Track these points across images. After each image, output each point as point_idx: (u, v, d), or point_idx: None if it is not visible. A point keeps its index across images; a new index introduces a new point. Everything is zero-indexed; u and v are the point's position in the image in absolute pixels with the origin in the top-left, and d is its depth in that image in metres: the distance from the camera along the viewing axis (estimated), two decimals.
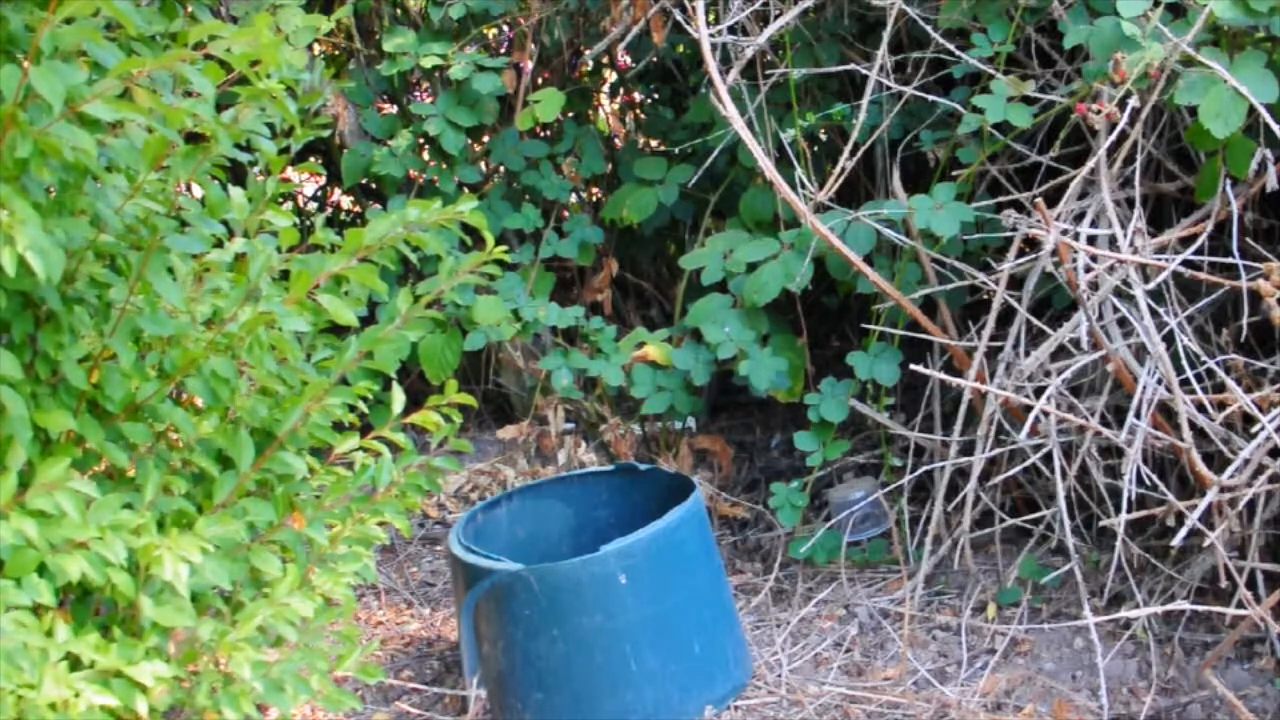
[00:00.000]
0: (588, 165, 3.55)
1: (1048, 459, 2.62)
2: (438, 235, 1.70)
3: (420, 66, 3.36)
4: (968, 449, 2.72)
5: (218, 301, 1.61)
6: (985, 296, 2.76)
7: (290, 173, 3.77)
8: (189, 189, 1.79)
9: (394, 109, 3.66)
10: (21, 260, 1.22)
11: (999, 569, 2.76)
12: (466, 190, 3.60)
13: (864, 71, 2.84)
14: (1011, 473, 2.66)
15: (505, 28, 3.63)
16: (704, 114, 3.30)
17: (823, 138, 3.38)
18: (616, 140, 3.86)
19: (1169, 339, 2.46)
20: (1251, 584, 2.41)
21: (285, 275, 1.64)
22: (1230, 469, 2.24)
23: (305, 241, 1.76)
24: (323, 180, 4.19)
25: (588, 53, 3.43)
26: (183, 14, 2.20)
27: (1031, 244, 2.62)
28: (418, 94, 3.75)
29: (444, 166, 3.43)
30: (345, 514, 1.73)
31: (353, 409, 1.70)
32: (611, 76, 3.86)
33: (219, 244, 1.66)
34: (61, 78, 1.22)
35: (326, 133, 1.99)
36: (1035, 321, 2.62)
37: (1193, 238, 2.45)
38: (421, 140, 3.44)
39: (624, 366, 3.10)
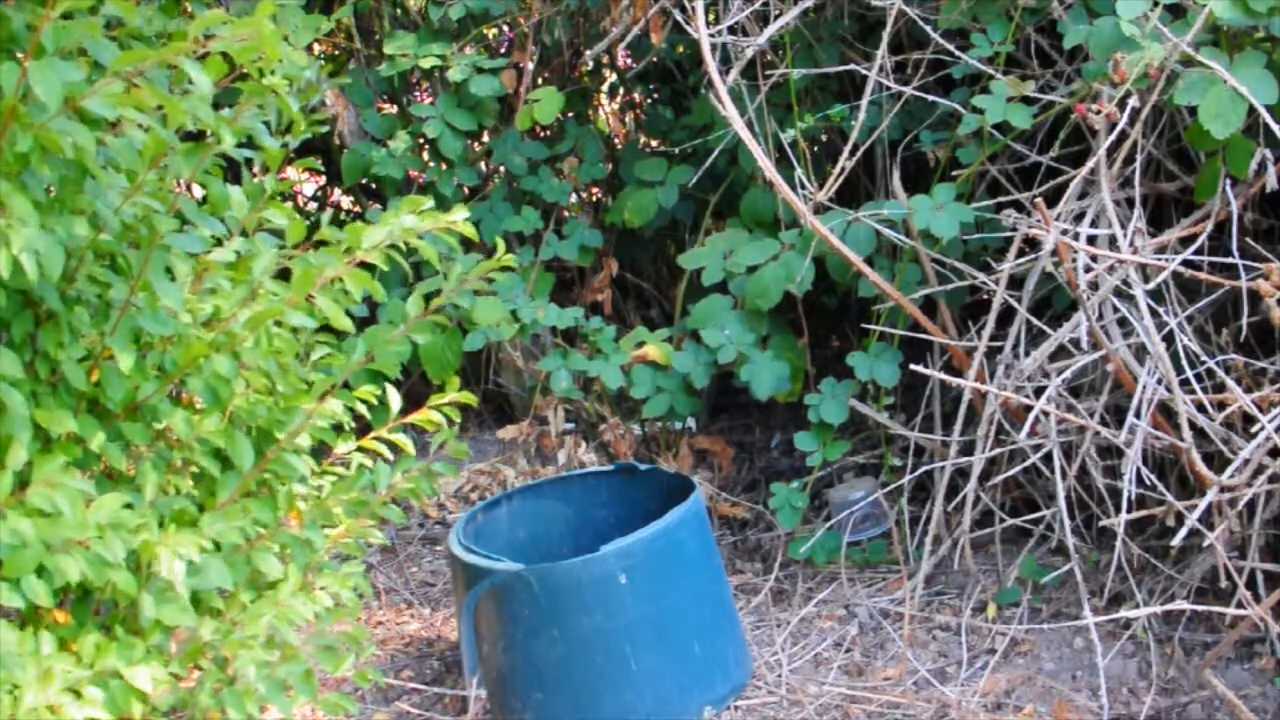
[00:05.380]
0: (587, 171, 3.56)
1: (1048, 459, 2.62)
2: (434, 242, 1.70)
3: (420, 67, 3.36)
4: (968, 449, 2.72)
5: (218, 301, 1.61)
6: (985, 296, 2.76)
7: (289, 172, 3.77)
8: (188, 188, 1.79)
9: (394, 109, 3.66)
10: (17, 261, 1.22)
11: (999, 569, 2.76)
12: (466, 191, 3.61)
13: (864, 72, 2.83)
14: (1011, 473, 2.66)
15: (505, 28, 3.63)
16: (705, 115, 3.30)
17: (823, 138, 3.38)
18: (616, 140, 3.86)
19: (1169, 339, 2.46)
20: (1251, 584, 2.41)
21: (284, 274, 1.64)
22: (1230, 469, 2.24)
23: (309, 239, 1.75)
24: (323, 180, 4.19)
25: (588, 53, 3.43)
26: (181, 16, 2.20)
27: (1031, 244, 2.62)
28: (418, 94, 3.75)
29: (443, 168, 3.44)
30: (350, 513, 1.73)
31: (352, 410, 1.70)
32: (611, 76, 3.86)
33: (218, 243, 1.66)
34: (59, 74, 1.22)
35: (325, 129, 1.99)
36: (1035, 321, 2.62)
37: (1193, 238, 2.45)
38: (421, 140, 3.44)
39: (623, 367, 3.10)
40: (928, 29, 2.78)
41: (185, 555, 1.33)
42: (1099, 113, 2.37)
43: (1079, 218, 2.55)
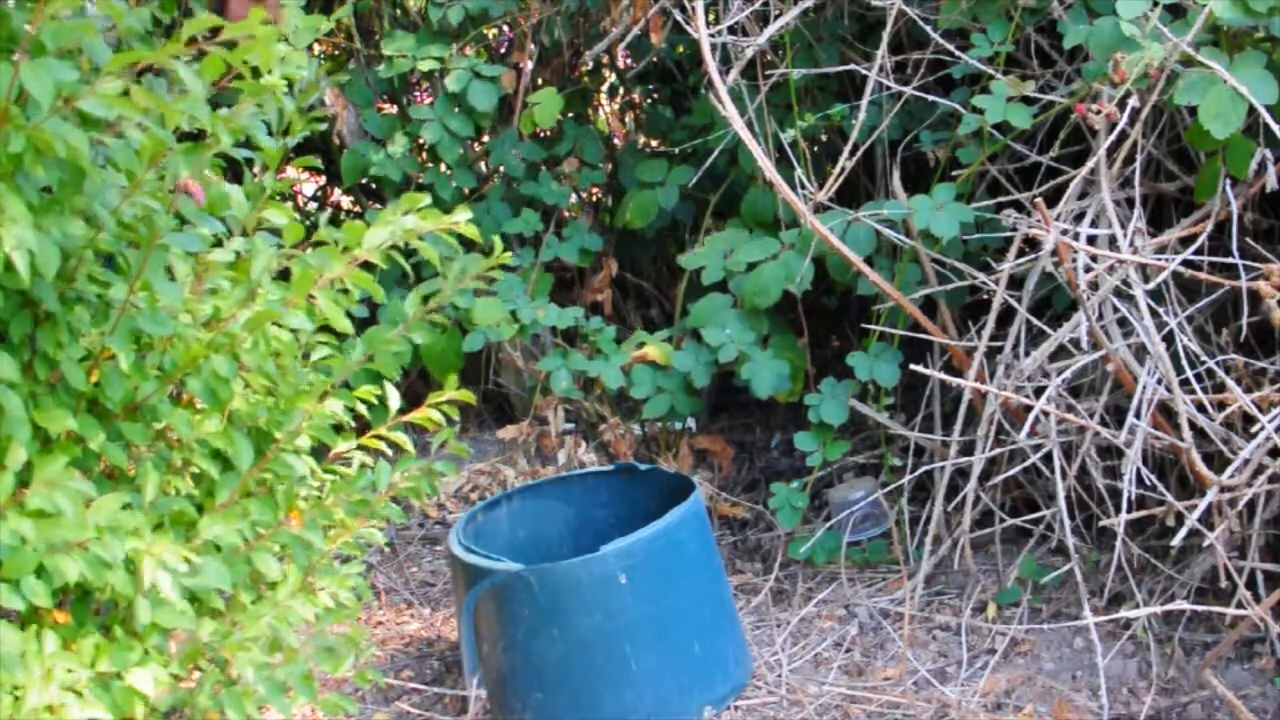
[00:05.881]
0: (587, 177, 3.56)
1: (1048, 459, 2.62)
2: (435, 242, 1.70)
3: (418, 69, 3.36)
4: (968, 449, 2.72)
5: (218, 301, 1.61)
6: (985, 296, 2.76)
7: (289, 171, 3.77)
8: None
9: (394, 109, 3.66)
10: (10, 259, 1.22)
11: (999, 569, 2.76)
12: (465, 193, 3.61)
13: (864, 72, 2.83)
14: (1011, 473, 2.66)
15: (505, 28, 3.63)
16: (705, 115, 3.30)
17: (823, 138, 3.38)
18: (616, 141, 3.86)
19: (1169, 339, 2.46)
20: (1251, 584, 2.41)
21: (285, 274, 1.64)
22: (1230, 469, 2.24)
23: (308, 239, 1.75)
24: (323, 180, 4.19)
25: (588, 53, 3.43)
26: (180, 15, 2.20)
27: (1031, 244, 2.62)
28: (418, 94, 3.75)
29: (442, 170, 3.43)
30: (351, 514, 1.73)
31: (352, 411, 1.70)
32: (611, 77, 3.86)
33: (218, 243, 1.66)
34: (51, 74, 1.22)
35: (323, 127, 1.98)
36: (1035, 321, 2.62)
37: (1193, 238, 2.44)
38: (420, 141, 3.44)
39: (623, 367, 3.10)
40: (928, 29, 2.77)
41: (171, 565, 1.33)
42: (1099, 113, 2.37)
43: (1079, 218, 2.55)
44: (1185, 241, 2.47)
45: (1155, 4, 2.36)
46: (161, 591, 1.33)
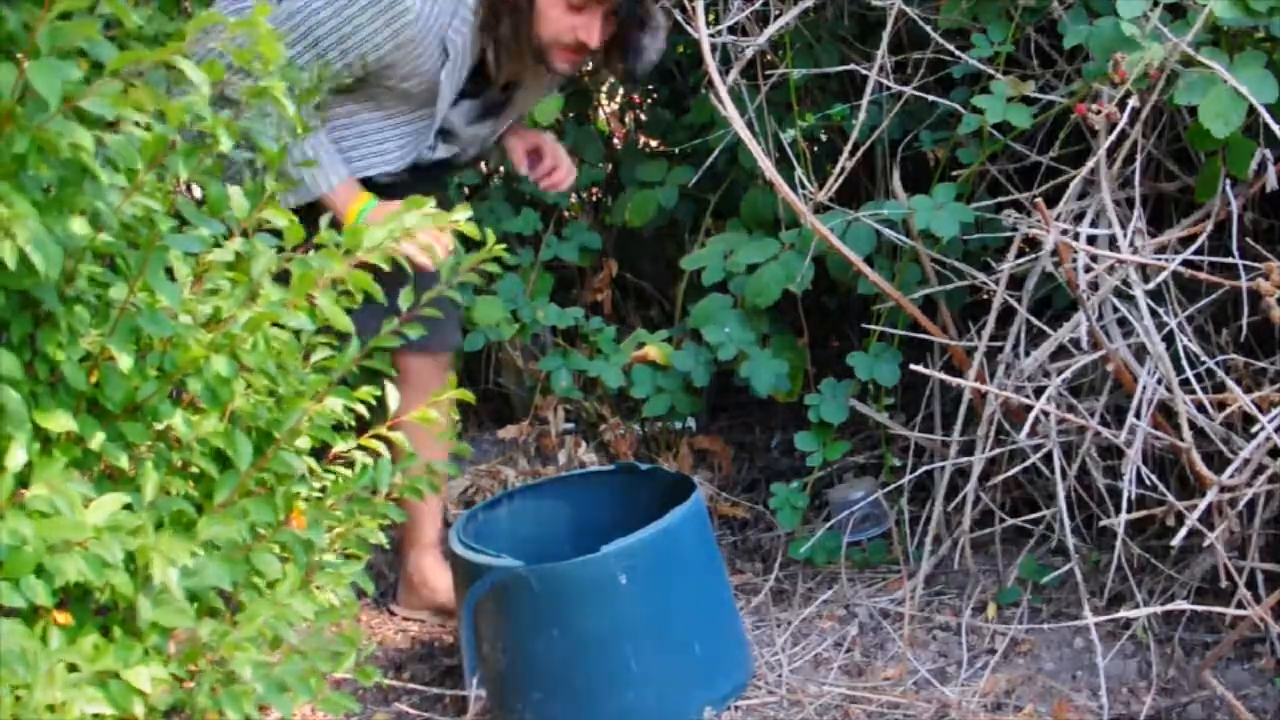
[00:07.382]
0: (587, 174, 3.55)
1: (1048, 459, 2.62)
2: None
3: None
4: (968, 449, 2.72)
5: (218, 302, 1.61)
6: (985, 296, 2.75)
7: None
8: (188, 189, 1.79)
9: None
10: (22, 257, 1.22)
11: (999, 569, 2.76)
12: (467, 191, 3.60)
13: (864, 72, 2.83)
14: (1011, 473, 2.65)
15: None
16: (705, 114, 3.30)
17: (823, 138, 3.38)
18: (616, 141, 3.86)
19: (1169, 339, 2.45)
20: (1251, 584, 2.41)
21: (285, 275, 1.64)
22: (1230, 469, 2.24)
23: (308, 240, 1.76)
24: None
25: None
26: (181, 16, 2.21)
27: (1031, 244, 2.62)
28: None
29: None
30: (348, 515, 1.73)
31: (352, 411, 1.70)
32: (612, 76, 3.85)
33: (217, 244, 1.66)
34: (58, 73, 1.22)
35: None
36: (1035, 321, 2.62)
37: (1193, 238, 2.44)
38: None
39: (623, 367, 3.09)
40: (928, 29, 2.77)
41: (178, 561, 1.33)
42: (1099, 113, 2.37)
43: (1079, 218, 2.55)
44: (1185, 241, 2.47)
45: (1155, 4, 2.36)
46: (169, 588, 1.33)
